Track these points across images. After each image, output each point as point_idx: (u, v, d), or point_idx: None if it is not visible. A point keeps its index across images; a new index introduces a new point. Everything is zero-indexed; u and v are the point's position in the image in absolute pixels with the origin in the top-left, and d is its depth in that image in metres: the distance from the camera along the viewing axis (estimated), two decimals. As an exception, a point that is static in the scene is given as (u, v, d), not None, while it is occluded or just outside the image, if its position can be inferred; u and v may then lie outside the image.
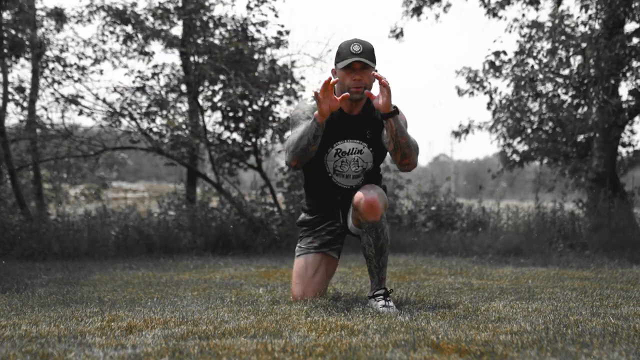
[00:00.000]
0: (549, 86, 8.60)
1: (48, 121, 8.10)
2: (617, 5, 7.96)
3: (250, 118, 7.95)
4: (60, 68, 7.91)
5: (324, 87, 2.92)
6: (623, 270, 5.22)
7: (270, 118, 7.94)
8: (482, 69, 8.99)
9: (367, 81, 3.10)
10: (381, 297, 3.12)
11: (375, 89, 3.07)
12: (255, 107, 7.87)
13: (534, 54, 8.57)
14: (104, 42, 8.03)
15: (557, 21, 8.20)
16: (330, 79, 2.95)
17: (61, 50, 7.99)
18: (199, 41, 7.92)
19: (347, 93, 2.99)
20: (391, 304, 3.10)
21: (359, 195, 3.08)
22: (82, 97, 7.99)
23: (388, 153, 3.19)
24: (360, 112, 3.20)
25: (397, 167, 3.18)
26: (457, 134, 9.58)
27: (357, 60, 3.06)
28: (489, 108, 9.05)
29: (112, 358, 2.00)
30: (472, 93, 9.12)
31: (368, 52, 3.10)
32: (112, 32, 8.01)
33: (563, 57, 8.39)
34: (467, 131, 9.53)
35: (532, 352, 1.99)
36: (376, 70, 3.13)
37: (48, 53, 7.93)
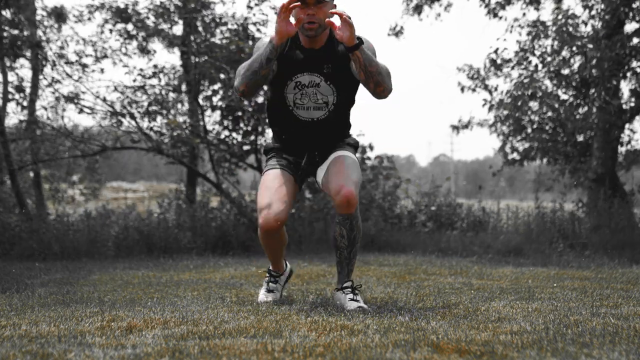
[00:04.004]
0: (549, 85, 8.60)
1: (48, 121, 8.10)
2: (618, 5, 7.96)
3: (249, 118, 7.95)
4: (61, 68, 7.91)
5: (287, 3, 2.91)
6: (623, 270, 5.22)
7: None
8: (483, 67, 8.99)
9: (322, 16, 3.05)
10: (349, 290, 3.17)
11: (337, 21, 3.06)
12: (255, 105, 7.87)
13: (537, 53, 8.56)
14: (104, 41, 8.03)
15: (563, 20, 8.19)
16: (290, 1, 2.92)
17: (61, 47, 7.99)
18: (199, 40, 7.92)
19: (300, 16, 2.97)
20: (359, 297, 3.14)
21: (335, 185, 3.08)
22: (83, 93, 7.99)
23: (362, 84, 3.15)
24: (322, 46, 3.16)
25: (372, 95, 3.15)
26: (456, 128, 9.57)
27: None
28: (484, 105, 9.04)
29: (112, 358, 2.00)
30: (474, 90, 9.12)
31: None
32: (112, 31, 8.00)
33: (565, 57, 8.39)
34: (466, 126, 9.52)
35: (532, 352, 1.99)
36: (335, 6, 3.10)
37: (48, 52, 7.92)
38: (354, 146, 3.37)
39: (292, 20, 3.04)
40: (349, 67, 3.15)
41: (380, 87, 3.06)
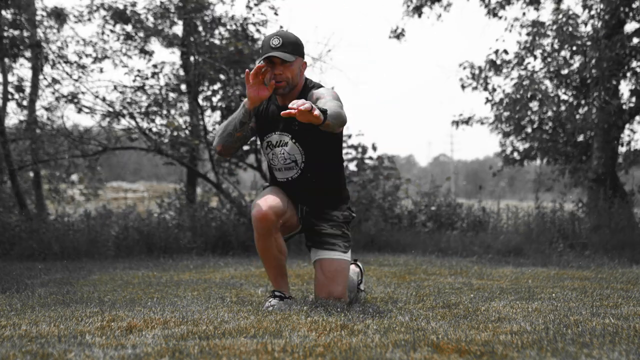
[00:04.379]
0: (549, 84, 8.60)
1: (48, 121, 8.10)
2: (618, 5, 7.96)
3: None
4: (60, 67, 7.91)
5: (254, 72, 2.93)
6: (623, 270, 5.22)
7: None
8: (484, 67, 8.99)
9: (289, 74, 3.04)
10: None
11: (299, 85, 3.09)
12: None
13: (537, 53, 8.56)
14: (104, 41, 8.02)
15: (563, 20, 8.19)
16: (262, 66, 2.96)
17: (60, 48, 7.99)
18: (199, 41, 7.91)
19: (272, 82, 2.98)
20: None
21: (325, 292, 3.16)
22: (83, 94, 7.99)
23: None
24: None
25: None
26: (456, 123, 9.57)
27: (273, 55, 3.00)
28: (487, 103, 9.04)
29: (112, 358, 2.00)
30: (475, 88, 9.12)
31: (288, 44, 3.03)
32: (112, 31, 8.00)
33: (566, 56, 8.39)
34: (467, 122, 9.52)
35: (532, 352, 1.99)
36: (305, 64, 3.11)
37: (48, 52, 7.92)
38: (344, 201, 3.30)
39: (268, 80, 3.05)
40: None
41: (341, 128, 3.00)
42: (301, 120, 2.68)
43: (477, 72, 9.01)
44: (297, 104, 2.65)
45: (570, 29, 8.21)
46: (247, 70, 2.96)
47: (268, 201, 3.05)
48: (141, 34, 7.95)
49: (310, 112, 2.65)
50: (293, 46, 3.05)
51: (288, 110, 2.67)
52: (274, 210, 3.02)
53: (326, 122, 2.75)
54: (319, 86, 3.18)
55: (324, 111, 2.74)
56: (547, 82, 8.61)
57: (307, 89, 3.14)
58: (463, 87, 9.18)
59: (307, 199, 3.24)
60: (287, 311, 2.93)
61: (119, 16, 7.86)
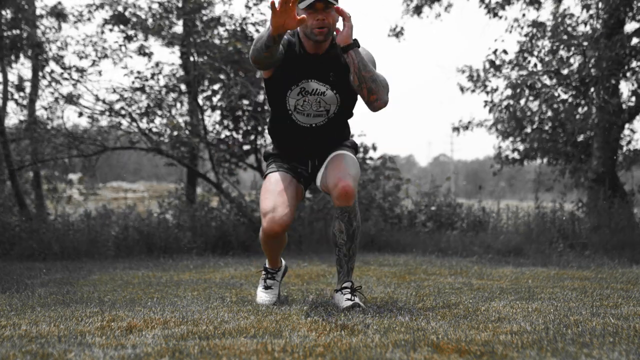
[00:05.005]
0: (548, 82, 8.59)
1: (48, 121, 8.09)
2: (618, 5, 7.96)
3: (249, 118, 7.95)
4: (59, 70, 7.90)
5: (281, 2, 2.74)
6: (623, 270, 5.22)
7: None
8: (482, 68, 8.99)
9: (331, 21, 3.02)
10: (348, 290, 3.09)
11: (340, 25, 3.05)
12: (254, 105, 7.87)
13: (535, 53, 8.57)
14: (104, 40, 8.02)
15: (559, 20, 8.20)
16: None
17: (60, 48, 7.98)
18: (199, 41, 7.91)
19: (303, 16, 2.79)
20: (357, 299, 3.07)
21: (333, 178, 3.05)
22: (81, 96, 7.98)
23: (359, 96, 3.13)
24: (324, 53, 3.12)
25: (367, 106, 3.11)
26: (456, 129, 9.58)
27: (319, 0, 2.97)
28: (485, 106, 9.05)
29: (112, 358, 2.00)
30: (473, 91, 9.12)
31: None
32: (111, 30, 8.00)
33: (564, 56, 8.39)
34: (467, 127, 9.53)
35: (532, 352, 1.99)
36: (337, 3, 3.05)
37: (48, 52, 7.92)
38: (353, 147, 3.35)
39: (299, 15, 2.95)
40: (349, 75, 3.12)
41: (374, 95, 3.03)
42: (342, 27, 2.95)
43: (475, 75, 9.01)
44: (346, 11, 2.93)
45: (570, 29, 8.21)
46: (271, 1, 2.77)
47: (278, 214, 3.09)
48: (141, 34, 7.95)
49: (351, 26, 2.95)
50: None
51: (341, 9, 2.96)
52: (284, 226, 3.10)
53: (356, 48, 2.97)
54: None
55: (354, 39, 2.98)
56: (546, 79, 8.60)
57: (334, 41, 3.12)
58: (462, 90, 9.18)
59: (319, 147, 3.24)
60: (286, 311, 2.93)
61: (118, 18, 7.86)
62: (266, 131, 8.01)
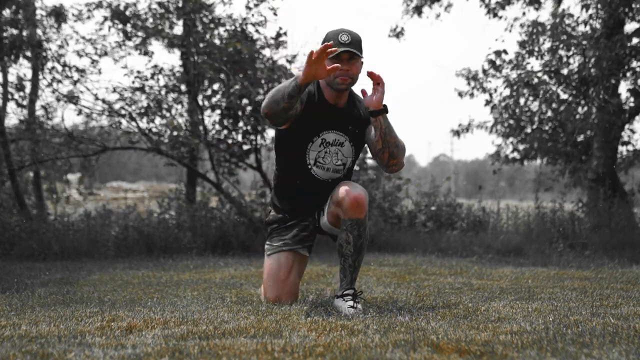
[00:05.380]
0: (547, 80, 8.59)
1: (48, 121, 8.09)
2: (617, 5, 7.96)
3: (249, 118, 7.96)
4: (60, 68, 7.90)
5: (321, 50, 2.76)
6: (623, 270, 5.22)
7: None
8: (481, 69, 8.99)
9: (354, 72, 3.03)
10: (350, 297, 3.04)
11: (366, 86, 3.07)
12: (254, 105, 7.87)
13: (535, 53, 8.57)
14: (104, 37, 8.01)
15: (558, 20, 8.20)
16: (330, 44, 2.79)
17: (60, 46, 7.98)
18: (199, 40, 7.91)
19: (336, 65, 2.83)
20: (359, 305, 3.01)
21: (343, 191, 3.01)
22: (82, 92, 7.98)
23: (370, 153, 3.18)
24: (345, 105, 3.15)
25: (383, 168, 3.13)
26: (457, 133, 9.58)
27: (345, 51, 2.97)
28: (487, 105, 9.05)
29: (112, 358, 2.00)
30: (472, 95, 9.12)
31: (356, 42, 3.02)
32: (110, 28, 7.99)
33: (564, 56, 8.39)
34: (467, 130, 9.53)
35: (532, 352, 1.99)
36: (362, 60, 3.07)
37: (48, 52, 7.92)
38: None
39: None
40: (365, 132, 3.16)
41: (394, 159, 3.06)
42: (377, 90, 2.97)
43: (472, 81, 9.00)
44: (377, 74, 2.95)
45: (569, 29, 8.21)
46: (311, 50, 2.80)
47: (282, 301, 3.18)
48: (141, 33, 7.94)
49: (384, 89, 2.96)
50: (359, 44, 3.04)
51: (373, 72, 2.97)
52: (291, 296, 3.22)
53: (380, 116, 2.98)
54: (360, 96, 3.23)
55: (385, 105, 2.99)
56: (545, 77, 8.60)
57: (352, 93, 3.19)
58: (460, 95, 9.18)
59: (325, 197, 3.22)
60: (286, 311, 2.93)
61: (118, 17, 7.85)
62: (266, 131, 8.02)
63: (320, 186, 3.19)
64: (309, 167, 3.15)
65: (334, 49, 2.83)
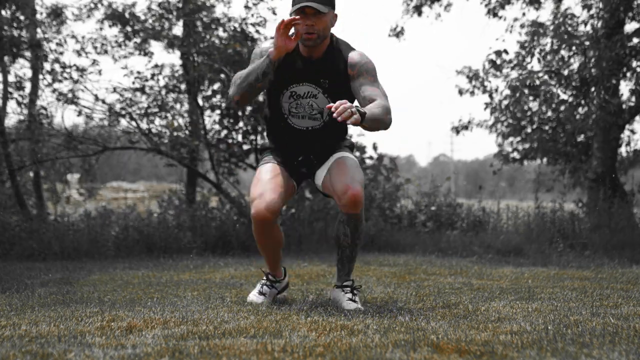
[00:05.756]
0: (548, 80, 8.59)
1: (47, 120, 8.09)
2: (618, 5, 7.97)
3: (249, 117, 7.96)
4: (59, 69, 7.89)
5: (288, 22, 2.90)
6: (623, 270, 5.22)
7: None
8: (482, 69, 8.99)
9: (321, 26, 3.00)
10: (349, 289, 3.13)
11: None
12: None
13: (536, 53, 8.56)
14: (104, 37, 8.01)
15: (561, 20, 8.19)
16: (296, 18, 2.92)
17: (59, 44, 7.97)
18: (198, 40, 7.90)
19: (293, 17, 2.93)
20: (357, 299, 3.11)
21: (343, 186, 3.02)
22: (83, 91, 7.97)
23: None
24: (321, 57, 3.10)
25: None
26: (456, 129, 9.58)
27: (307, 5, 2.95)
28: (486, 108, 9.05)
29: (112, 358, 2.00)
30: (472, 92, 9.11)
31: None
32: (111, 26, 7.98)
33: (565, 56, 8.39)
34: (466, 127, 9.52)
35: (532, 352, 1.99)
36: (335, 16, 3.05)
37: (48, 52, 7.91)
38: (350, 147, 3.35)
39: (292, 32, 3.02)
40: (348, 85, 3.11)
41: (379, 130, 3.01)
42: (344, 119, 2.73)
43: (473, 80, 9.00)
44: (337, 107, 2.71)
45: (570, 29, 8.21)
46: (282, 19, 2.90)
47: (266, 199, 3.05)
48: (140, 34, 7.94)
49: (350, 116, 2.71)
50: None
51: (329, 105, 2.75)
52: (272, 210, 3.04)
53: (363, 124, 2.81)
54: (349, 48, 3.13)
55: (362, 114, 2.78)
56: (545, 77, 8.60)
57: (333, 45, 3.11)
58: (461, 93, 9.17)
59: (316, 147, 3.23)
60: (286, 311, 2.93)
61: (118, 18, 7.85)
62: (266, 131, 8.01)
63: (302, 134, 3.20)
64: (285, 116, 3.19)
65: (296, 17, 2.93)
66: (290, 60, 3.10)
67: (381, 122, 2.93)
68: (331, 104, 2.76)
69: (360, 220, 3.09)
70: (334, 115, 2.71)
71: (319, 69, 3.11)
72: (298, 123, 3.19)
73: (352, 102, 3.15)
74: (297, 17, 2.93)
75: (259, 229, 3.11)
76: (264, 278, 3.39)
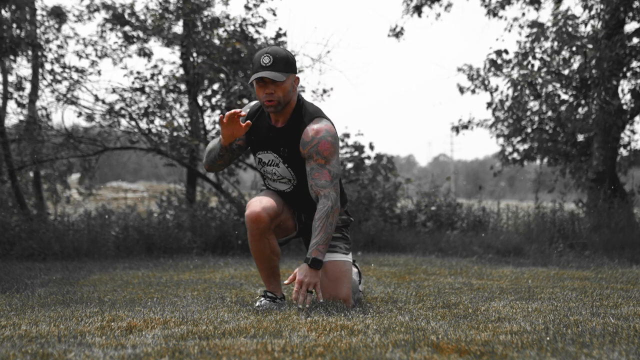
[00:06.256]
0: (549, 86, 8.60)
1: (46, 120, 8.09)
2: (618, 5, 7.97)
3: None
4: (59, 69, 7.90)
5: (229, 116, 2.98)
6: (623, 270, 5.22)
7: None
8: (483, 67, 8.99)
9: (280, 93, 2.98)
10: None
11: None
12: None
13: (536, 54, 8.56)
14: (104, 39, 8.02)
15: (562, 21, 8.19)
16: (240, 112, 3.01)
17: (59, 47, 7.98)
18: (198, 40, 7.91)
19: (248, 122, 3.04)
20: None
21: (330, 295, 3.12)
22: (82, 91, 7.98)
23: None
24: (285, 125, 3.08)
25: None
26: (456, 129, 9.58)
27: (264, 76, 2.95)
28: (489, 107, 9.06)
29: (112, 358, 2.00)
30: (473, 91, 9.11)
31: (279, 61, 2.96)
32: (111, 30, 7.99)
33: (565, 57, 8.39)
34: (466, 127, 9.53)
35: (532, 352, 1.99)
36: (297, 80, 3.06)
37: (48, 52, 7.92)
38: (344, 225, 3.27)
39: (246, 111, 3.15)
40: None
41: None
42: (317, 295, 3.00)
43: (475, 74, 9.01)
44: (296, 298, 2.94)
45: (570, 29, 8.21)
46: (220, 116, 3.02)
47: (262, 202, 3.04)
48: (140, 33, 7.94)
49: (307, 297, 2.94)
50: (284, 63, 2.97)
51: (289, 280, 2.97)
52: (268, 212, 3.01)
53: (320, 263, 2.97)
54: (312, 116, 3.07)
55: (318, 262, 2.96)
56: (548, 77, 8.60)
57: (299, 111, 3.07)
58: (462, 91, 9.17)
59: (303, 207, 3.22)
60: (286, 311, 2.93)
61: (118, 19, 7.86)
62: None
63: (283, 194, 3.21)
64: (263, 177, 3.26)
65: (243, 112, 3.06)
66: (260, 126, 3.14)
67: (331, 229, 2.99)
68: (296, 298, 2.93)
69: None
70: (299, 306, 2.92)
71: (280, 137, 3.09)
72: (273, 185, 3.22)
73: None
74: (239, 110, 3.03)
75: (253, 230, 3.02)
76: (262, 297, 3.18)
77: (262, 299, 3.14)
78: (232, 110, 3.00)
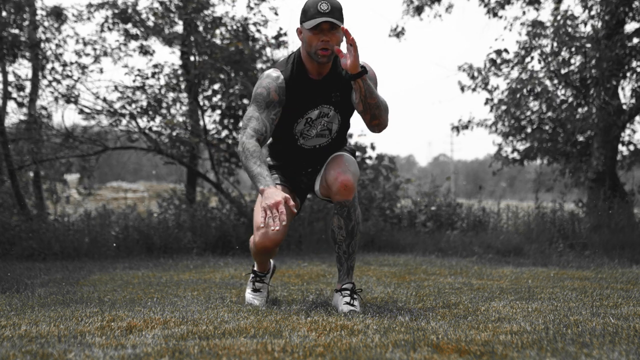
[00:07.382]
0: (549, 84, 8.59)
1: (46, 120, 8.09)
2: (617, 5, 7.97)
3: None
4: (59, 68, 7.90)
5: (280, 204, 2.76)
6: (623, 270, 5.22)
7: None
8: (483, 67, 8.99)
9: (335, 43, 2.93)
10: (348, 293, 3.03)
11: (343, 46, 2.94)
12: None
13: (537, 54, 8.57)
14: (104, 39, 8.02)
15: (561, 21, 8.19)
16: (293, 204, 2.78)
17: (58, 46, 7.98)
18: (199, 40, 7.91)
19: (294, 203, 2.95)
20: (356, 303, 3.01)
21: (333, 175, 3.02)
22: (81, 95, 7.98)
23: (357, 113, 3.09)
24: (327, 75, 3.04)
25: (367, 127, 3.07)
26: (456, 129, 9.58)
27: (325, 21, 2.87)
28: (487, 103, 9.05)
29: (112, 358, 2.00)
30: (474, 89, 9.12)
31: (336, 11, 2.90)
32: (111, 29, 7.99)
33: (565, 57, 8.39)
34: (466, 127, 9.53)
35: (532, 352, 1.99)
36: (340, 28, 2.93)
37: (48, 52, 7.91)
38: (352, 151, 3.32)
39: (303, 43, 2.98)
40: (350, 94, 3.07)
41: (376, 120, 2.97)
42: (349, 55, 2.80)
43: (475, 73, 9.01)
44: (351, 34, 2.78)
45: (570, 30, 8.20)
46: (279, 199, 2.76)
47: (271, 235, 3.04)
48: (142, 30, 7.94)
49: (357, 52, 2.80)
50: (340, 12, 2.93)
51: (348, 30, 2.79)
52: (275, 243, 3.10)
53: (364, 76, 2.84)
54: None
55: (363, 67, 2.85)
56: (547, 81, 8.60)
57: (335, 63, 3.05)
58: (462, 89, 9.18)
59: (320, 160, 3.22)
60: (287, 311, 2.93)
61: (120, 16, 7.85)
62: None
63: (309, 152, 3.20)
64: (296, 138, 3.15)
65: (291, 203, 2.78)
66: (302, 86, 3.04)
67: (379, 100, 2.93)
68: (347, 31, 2.80)
69: (353, 209, 3.03)
70: (350, 37, 2.78)
71: (329, 86, 3.06)
72: (307, 143, 3.17)
73: (350, 116, 3.20)
74: (293, 204, 2.80)
75: (260, 253, 3.20)
76: (252, 276, 3.42)
77: (254, 293, 3.36)
78: (291, 204, 2.77)
